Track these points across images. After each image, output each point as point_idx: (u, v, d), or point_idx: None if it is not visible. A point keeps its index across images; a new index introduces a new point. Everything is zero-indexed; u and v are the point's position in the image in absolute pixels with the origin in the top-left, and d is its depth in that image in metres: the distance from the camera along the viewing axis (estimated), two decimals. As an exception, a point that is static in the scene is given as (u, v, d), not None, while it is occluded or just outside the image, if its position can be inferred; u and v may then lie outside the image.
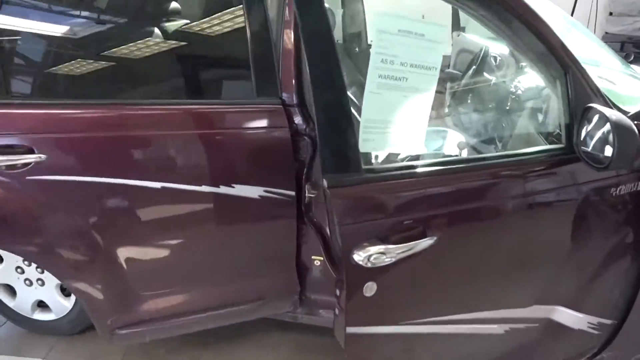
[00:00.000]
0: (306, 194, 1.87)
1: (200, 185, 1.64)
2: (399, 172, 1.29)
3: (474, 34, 3.85)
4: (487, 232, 1.36)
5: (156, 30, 1.81)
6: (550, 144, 1.53)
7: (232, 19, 1.85)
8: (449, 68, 3.88)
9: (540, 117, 1.70)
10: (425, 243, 1.22)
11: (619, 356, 1.72)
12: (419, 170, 1.29)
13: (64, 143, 1.58)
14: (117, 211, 1.66)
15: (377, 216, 1.23)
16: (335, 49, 1.20)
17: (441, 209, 1.28)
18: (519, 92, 2.03)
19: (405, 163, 1.37)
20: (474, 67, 2.65)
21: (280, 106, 1.77)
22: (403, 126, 1.26)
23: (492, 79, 2.44)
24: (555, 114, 1.48)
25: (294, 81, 1.79)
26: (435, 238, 1.24)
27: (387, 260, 1.18)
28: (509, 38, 1.43)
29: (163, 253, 1.77)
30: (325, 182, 1.21)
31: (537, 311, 1.50)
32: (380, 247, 1.18)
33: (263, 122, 1.76)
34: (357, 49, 3.23)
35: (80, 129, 1.60)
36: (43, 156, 1.53)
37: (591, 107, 1.32)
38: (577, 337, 1.62)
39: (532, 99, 1.86)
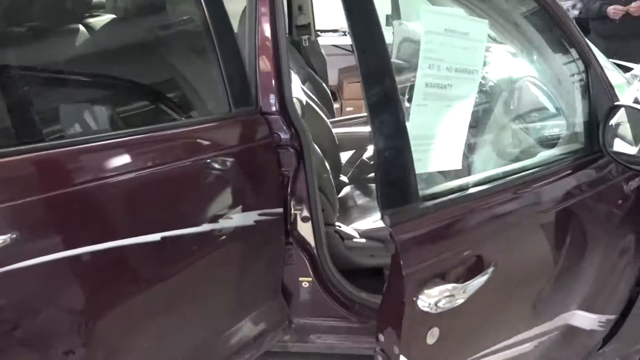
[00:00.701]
0: (291, 211, 1.68)
1: (200, 225, 1.37)
2: (456, 194, 1.14)
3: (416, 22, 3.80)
4: (536, 249, 1.27)
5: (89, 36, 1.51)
6: (557, 144, 1.47)
7: (188, 19, 1.59)
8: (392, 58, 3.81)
9: (548, 116, 1.65)
10: (489, 273, 1.09)
11: (620, 348, 1.72)
12: (475, 190, 1.15)
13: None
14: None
15: (443, 251, 1.08)
16: (391, 67, 1.03)
17: (501, 232, 1.15)
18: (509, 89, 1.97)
19: (458, 182, 1.22)
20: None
21: (260, 116, 1.56)
22: (449, 140, 1.11)
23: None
24: (570, 112, 1.41)
25: (274, 84, 1.58)
26: (495, 265, 1.11)
27: (458, 301, 1.03)
28: (522, 33, 1.33)
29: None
30: (388, 220, 1.04)
31: (560, 319, 1.44)
32: (448, 287, 1.03)
33: (247, 137, 1.53)
34: (306, 43, 3.05)
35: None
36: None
37: (622, 106, 1.26)
38: (589, 336, 1.60)
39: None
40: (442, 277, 1.06)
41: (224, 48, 1.50)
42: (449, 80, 1.05)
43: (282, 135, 1.61)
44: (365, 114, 2.90)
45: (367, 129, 2.71)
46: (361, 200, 2.20)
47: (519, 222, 1.21)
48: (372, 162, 2.33)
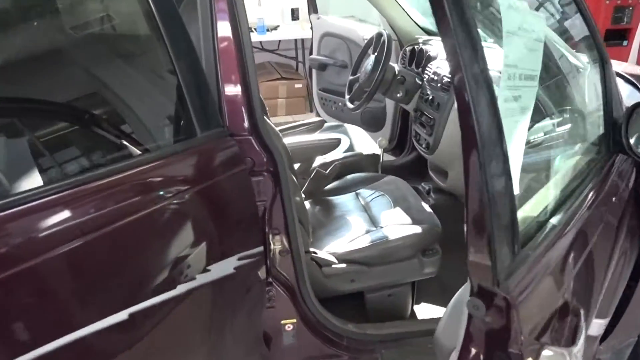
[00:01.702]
0: (271, 246, 1.42)
1: (174, 287, 1.06)
2: (546, 231, 0.94)
3: (334, 16, 3.63)
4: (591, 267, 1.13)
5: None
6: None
7: (132, 23, 1.25)
8: (311, 54, 3.60)
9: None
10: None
11: (614, 344, 1.70)
12: (556, 220, 0.96)
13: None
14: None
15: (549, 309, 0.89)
16: (495, 100, 0.81)
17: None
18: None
19: (529, 211, 1.03)
20: (374, 54, 2.39)
21: (230, 139, 1.28)
22: (516, 161, 0.93)
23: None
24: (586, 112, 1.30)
25: (241, 99, 1.30)
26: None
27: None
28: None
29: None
30: (508, 287, 0.82)
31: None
32: (563, 352, 0.85)
33: (218, 167, 1.24)
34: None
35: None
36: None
37: (647, 105, 1.17)
38: (594, 341, 1.54)
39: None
40: (551, 340, 0.88)
41: (180, 56, 1.19)
42: (518, 91, 0.87)
43: (256, 160, 1.35)
44: (306, 121, 2.70)
45: (313, 137, 2.50)
46: (325, 218, 1.98)
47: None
48: (328, 172, 2.12)
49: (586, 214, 1.05)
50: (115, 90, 1.17)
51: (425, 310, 1.96)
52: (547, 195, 1.04)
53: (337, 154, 2.36)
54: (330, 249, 1.76)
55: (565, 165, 1.16)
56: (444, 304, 2.03)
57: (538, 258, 0.89)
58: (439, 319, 1.86)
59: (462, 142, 0.82)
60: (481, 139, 0.79)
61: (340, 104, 3.36)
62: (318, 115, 3.64)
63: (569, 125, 1.32)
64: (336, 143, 2.24)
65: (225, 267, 1.22)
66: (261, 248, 1.36)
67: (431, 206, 2.32)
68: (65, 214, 0.91)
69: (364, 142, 2.53)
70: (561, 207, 0.99)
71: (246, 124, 1.31)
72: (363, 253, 1.73)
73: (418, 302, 1.97)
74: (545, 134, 1.25)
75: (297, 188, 1.67)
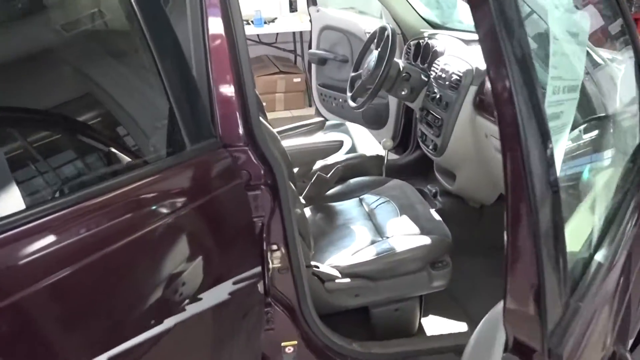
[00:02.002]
0: (269, 265, 1.30)
1: (160, 321, 0.94)
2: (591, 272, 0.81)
3: (334, 8, 3.48)
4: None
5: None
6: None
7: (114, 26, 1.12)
8: (310, 48, 3.46)
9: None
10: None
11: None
12: (602, 255, 0.84)
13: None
14: None
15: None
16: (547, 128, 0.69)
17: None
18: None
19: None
20: (377, 50, 2.26)
21: (224, 150, 1.15)
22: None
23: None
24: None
25: (236, 106, 1.18)
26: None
27: None
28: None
29: None
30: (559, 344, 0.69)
31: None
32: None
33: (211, 183, 1.12)
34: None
35: None
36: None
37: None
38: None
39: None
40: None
41: (166, 59, 1.06)
42: (562, 106, 0.74)
43: (253, 172, 1.22)
44: (306, 122, 2.56)
45: (314, 139, 2.36)
46: (327, 226, 1.86)
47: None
48: (329, 176, 2.00)
49: (630, 240, 0.93)
50: (88, 100, 1.05)
51: (433, 324, 1.85)
52: (586, 222, 0.92)
53: (339, 156, 2.23)
54: (333, 262, 1.64)
55: (602, 182, 1.04)
56: (452, 316, 1.94)
57: (588, 308, 0.77)
58: (448, 335, 1.77)
59: (507, 174, 0.69)
60: (530, 173, 0.67)
61: (340, 100, 3.22)
62: (318, 111, 3.51)
63: (604, 136, 1.20)
64: (338, 146, 2.12)
65: (218, 293, 1.10)
66: (259, 268, 1.24)
67: (438, 210, 2.21)
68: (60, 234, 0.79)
69: (367, 143, 2.41)
70: (604, 236, 0.87)
71: (241, 133, 1.19)
72: (368, 266, 1.61)
73: (425, 315, 1.86)
74: (579, 147, 1.14)
75: (297, 199, 1.56)
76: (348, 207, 1.95)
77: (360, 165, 2.27)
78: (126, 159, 1.01)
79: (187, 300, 1.02)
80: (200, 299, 1.05)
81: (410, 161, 2.87)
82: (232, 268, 1.14)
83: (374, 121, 3.03)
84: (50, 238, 0.81)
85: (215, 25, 1.16)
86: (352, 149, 2.35)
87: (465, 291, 1.97)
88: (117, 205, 0.92)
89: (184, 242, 1.03)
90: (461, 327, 1.85)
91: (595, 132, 1.17)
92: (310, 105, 4.84)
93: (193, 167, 1.07)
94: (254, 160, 1.22)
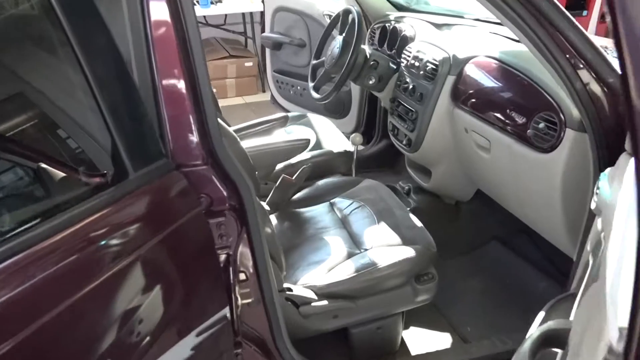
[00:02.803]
0: (238, 301, 1.10)
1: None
2: None
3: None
4: None
5: None
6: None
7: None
8: (263, 31, 3.20)
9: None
10: None
11: None
12: None
13: None
14: None
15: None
16: None
17: None
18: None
19: None
20: (341, 36, 2.05)
21: (177, 173, 0.93)
22: None
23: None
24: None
25: (190, 118, 0.95)
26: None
27: None
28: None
29: None
30: None
31: None
32: None
33: (162, 217, 0.89)
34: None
35: None
36: None
37: None
38: None
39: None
40: None
41: (96, 63, 0.82)
42: None
43: (214, 195, 1.00)
44: (268, 118, 2.32)
45: (277, 138, 2.13)
46: (297, 237, 1.66)
47: None
48: (295, 179, 1.79)
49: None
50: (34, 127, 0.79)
51: (415, 338, 1.71)
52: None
53: (304, 154, 2.02)
54: (307, 281, 1.45)
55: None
56: (434, 325, 1.80)
57: None
58: (434, 353, 1.63)
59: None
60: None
61: (299, 88, 3.00)
62: (273, 98, 3.27)
63: None
64: (304, 145, 1.91)
65: (180, 352, 0.89)
66: (226, 309, 1.03)
67: (413, 209, 2.06)
68: None
69: (333, 137, 2.21)
70: None
71: (199, 150, 0.96)
72: (347, 285, 1.43)
73: (406, 327, 1.71)
74: None
75: (265, 216, 1.35)
76: (318, 214, 1.76)
77: (327, 163, 2.07)
78: (50, 197, 0.76)
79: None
80: (158, 364, 0.84)
81: (375, 152, 2.70)
82: (194, 318, 0.93)
83: (336, 110, 2.83)
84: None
85: (160, 12, 0.92)
86: (317, 145, 2.14)
87: (444, 296, 1.83)
88: (38, 263, 0.68)
89: (132, 297, 0.81)
90: (445, 339, 1.71)
91: None
92: (264, 91, 4.57)
93: (139, 200, 0.84)
94: (216, 181, 1.00)
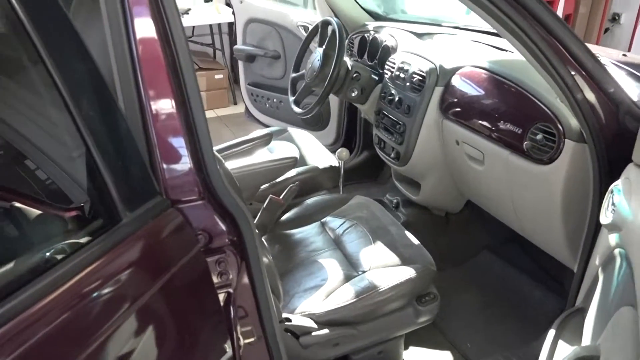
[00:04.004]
0: (239, 341, 1.02)
1: None
2: None
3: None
4: None
5: None
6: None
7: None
8: (235, 44, 3.11)
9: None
10: None
11: None
12: None
13: None
14: None
15: None
16: None
17: None
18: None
19: None
20: (322, 48, 2.00)
21: (174, 211, 0.84)
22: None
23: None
24: None
25: (187, 153, 0.87)
26: None
27: None
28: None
29: None
30: None
31: None
32: None
33: (159, 264, 0.80)
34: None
35: None
36: None
37: None
38: None
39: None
40: None
41: (77, 89, 0.73)
42: None
43: (213, 231, 0.92)
44: (251, 137, 2.23)
45: (262, 157, 2.05)
46: (289, 261, 1.58)
47: None
48: (283, 197, 1.72)
49: None
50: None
51: (415, 355, 1.65)
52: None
53: (289, 172, 1.95)
54: (305, 309, 1.38)
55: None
56: (434, 345, 1.75)
57: None
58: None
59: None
60: None
61: (275, 100, 2.93)
62: (248, 111, 3.18)
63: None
64: (292, 163, 1.84)
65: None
66: (228, 353, 0.95)
67: (402, 223, 2.01)
68: None
69: (317, 152, 2.14)
70: None
71: (195, 184, 0.88)
72: (347, 311, 1.36)
73: (406, 347, 1.66)
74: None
75: (264, 246, 1.27)
76: (310, 235, 1.68)
77: (313, 180, 2.00)
78: (33, 249, 0.67)
79: None
80: None
81: (358, 164, 2.65)
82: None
83: (315, 122, 2.77)
84: None
85: (145, 29, 0.83)
86: (302, 161, 2.07)
87: (441, 312, 1.78)
88: (30, 322, 0.59)
89: (133, 349, 0.71)
90: (445, 357, 1.67)
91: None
92: (235, 104, 4.48)
93: (134, 245, 0.75)
94: (214, 216, 0.92)
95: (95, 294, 0.67)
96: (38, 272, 0.63)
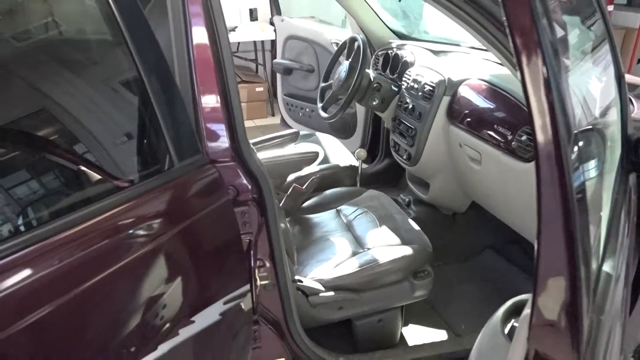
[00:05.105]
0: (256, 282, 1.27)
1: (155, 347, 0.90)
2: None
3: (299, 18, 3.48)
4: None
5: None
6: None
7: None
8: (275, 58, 3.44)
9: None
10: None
11: None
12: None
13: None
14: None
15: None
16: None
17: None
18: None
19: None
20: (348, 61, 2.27)
21: (211, 166, 1.12)
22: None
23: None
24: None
25: (223, 118, 1.15)
26: None
27: None
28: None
29: None
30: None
31: None
32: None
33: (201, 201, 1.07)
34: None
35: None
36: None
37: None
38: None
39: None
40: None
41: (150, 71, 1.02)
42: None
43: (240, 188, 1.19)
44: (280, 134, 2.53)
45: (288, 150, 2.34)
46: (306, 239, 1.84)
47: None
48: (305, 188, 1.98)
49: (626, 251, 0.95)
50: (72, 115, 0.99)
51: (413, 333, 1.86)
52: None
53: (312, 167, 2.21)
54: (315, 276, 1.62)
55: (595, 192, 1.07)
56: (431, 324, 1.95)
57: (608, 320, 0.77)
58: (430, 344, 1.78)
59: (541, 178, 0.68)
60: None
61: (307, 110, 3.22)
62: (283, 121, 3.49)
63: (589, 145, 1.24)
64: (313, 157, 2.10)
65: (210, 315, 1.06)
66: (247, 286, 1.20)
67: (412, 219, 2.23)
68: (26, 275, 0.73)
69: (339, 153, 2.40)
70: (606, 247, 0.88)
71: (228, 149, 1.16)
72: (351, 279, 1.60)
73: (405, 324, 1.87)
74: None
75: (281, 213, 1.53)
76: (326, 219, 1.94)
77: (334, 176, 2.26)
78: (115, 178, 0.95)
79: (180, 324, 0.97)
80: (192, 322, 1.01)
81: (379, 170, 2.89)
82: (222, 288, 1.10)
83: (342, 131, 3.04)
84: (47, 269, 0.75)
85: (200, 35, 1.12)
86: (325, 160, 2.33)
87: (441, 298, 1.99)
88: (108, 229, 0.87)
89: (174, 264, 0.99)
90: (441, 335, 1.86)
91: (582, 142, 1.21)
92: (273, 115, 4.81)
93: (183, 185, 1.03)
94: (241, 176, 1.19)
95: (153, 213, 0.95)
96: (115, 190, 0.91)
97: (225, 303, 1.11)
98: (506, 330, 1.01)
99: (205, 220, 1.06)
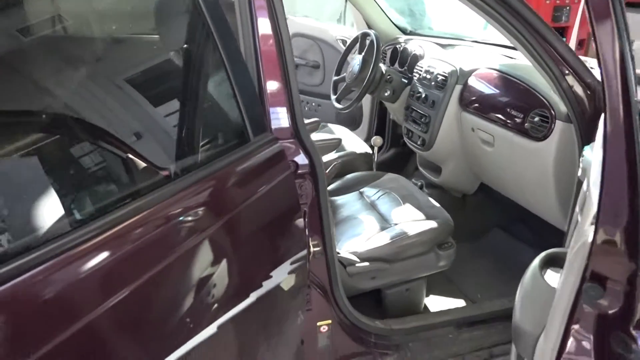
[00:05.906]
0: (311, 248, 1.41)
1: (248, 295, 1.05)
2: None
3: (303, 16, 3.63)
4: None
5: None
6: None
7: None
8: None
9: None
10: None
11: None
12: None
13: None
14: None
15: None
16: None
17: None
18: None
19: None
20: (361, 55, 2.42)
21: (278, 143, 1.26)
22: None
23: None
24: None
25: (285, 100, 1.29)
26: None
27: None
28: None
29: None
30: None
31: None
32: None
33: (271, 172, 1.21)
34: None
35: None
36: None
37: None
38: None
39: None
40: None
41: (231, 57, 1.16)
42: None
43: (300, 163, 1.33)
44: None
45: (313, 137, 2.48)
46: (335, 218, 1.98)
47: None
48: (328, 172, 2.13)
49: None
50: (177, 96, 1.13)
51: (435, 302, 2.02)
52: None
53: (331, 155, 2.36)
54: (350, 248, 1.77)
55: None
56: (449, 294, 2.12)
57: None
58: (454, 309, 1.94)
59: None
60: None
61: (313, 104, 3.37)
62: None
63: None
64: (337, 143, 2.25)
65: (282, 272, 1.20)
66: (305, 251, 1.34)
67: (426, 201, 2.40)
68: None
69: (354, 141, 2.56)
70: None
71: (289, 128, 1.30)
72: (383, 250, 1.75)
73: (426, 295, 2.03)
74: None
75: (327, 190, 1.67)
76: (350, 200, 2.09)
77: (351, 162, 2.41)
78: (207, 149, 1.09)
79: (262, 277, 1.12)
80: (270, 277, 1.15)
81: (386, 159, 3.05)
82: (289, 249, 1.24)
83: (349, 122, 3.19)
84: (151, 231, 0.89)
85: (264, 26, 1.27)
86: (341, 148, 2.49)
87: (457, 272, 2.16)
88: (203, 197, 1.01)
89: (257, 226, 1.13)
90: (459, 302, 2.03)
91: None
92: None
93: (258, 158, 1.17)
94: (300, 151, 1.33)
95: (236, 180, 1.09)
96: (207, 160, 1.05)
97: (291, 263, 1.25)
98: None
99: (277, 189, 1.20)
